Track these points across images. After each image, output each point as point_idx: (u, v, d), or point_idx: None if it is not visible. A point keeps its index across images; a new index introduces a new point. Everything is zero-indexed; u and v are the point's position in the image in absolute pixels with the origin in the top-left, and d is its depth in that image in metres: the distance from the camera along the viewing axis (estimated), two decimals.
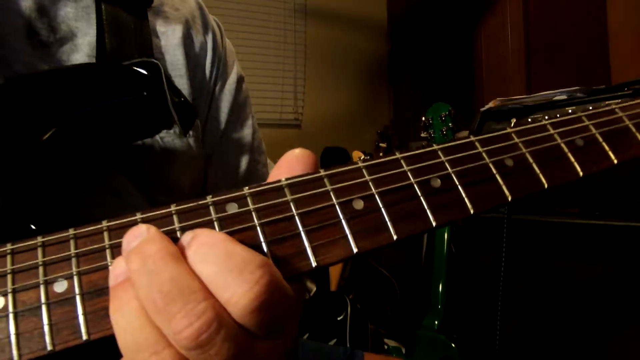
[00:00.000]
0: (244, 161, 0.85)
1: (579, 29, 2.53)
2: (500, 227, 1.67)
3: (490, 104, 1.84)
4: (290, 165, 0.41)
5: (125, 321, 0.33)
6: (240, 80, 0.86)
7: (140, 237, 0.34)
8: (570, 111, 0.48)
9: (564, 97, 1.64)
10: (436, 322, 1.94)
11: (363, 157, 1.57)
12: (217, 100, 0.82)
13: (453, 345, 1.86)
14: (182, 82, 0.74)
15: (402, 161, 0.43)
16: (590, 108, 0.49)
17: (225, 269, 0.32)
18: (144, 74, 0.55)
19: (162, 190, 0.69)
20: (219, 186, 0.82)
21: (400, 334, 2.50)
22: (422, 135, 2.00)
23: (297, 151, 0.41)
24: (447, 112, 1.94)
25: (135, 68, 0.55)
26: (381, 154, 1.57)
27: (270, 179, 0.41)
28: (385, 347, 2.37)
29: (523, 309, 1.65)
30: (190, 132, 0.73)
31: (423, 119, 2.00)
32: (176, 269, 0.32)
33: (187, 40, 0.77)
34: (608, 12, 2.36)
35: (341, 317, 2.21)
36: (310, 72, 3.55)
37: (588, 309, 1.48)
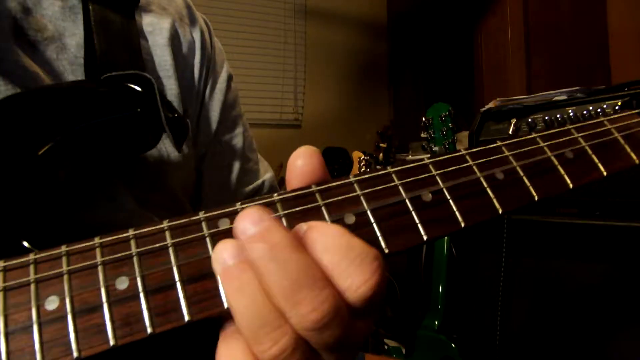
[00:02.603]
0: (237, 160, 0.85)
1: (579, 29, 2.52)
2: (500, 227, 1.67)
3: (490, 104, 1.83)
4: (299, 177, 0.42)
5: (249, 300, 0.35)
6: (229, 79, 0.86)
7: (257, 224, 0.35)
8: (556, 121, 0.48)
9: (564, 97, 1.64)
10: (436, 322, 1.94)
11: (363, 157, 1.58)
12: (209, 100, 0.82)
13: (453, 345, 1.86)
14: (170, 83, 0.74)
15: (393, 175, 0.43)
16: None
17: (347, 259, 0.35)
18: (138, 90, 0.55)
19: (155, 192, 0.69)
20: (213, 185, 0.82)
21: (400, 334, 2.50)
22: (422, 135, 1.99)
23: (299, 162, 0.42)
24: (447, 112, 1.93)
25: (130, 85, 0.55)
26: (381, 155, 1.58)
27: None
28: (386, 347, 2.37)
29: (523, 309, 1.65)
30: None
31: (423, 119, 1.99)
32: (302, 258, 0.35)
33: (175, 40, 0.77)
34: (608, 12, 2.35)
35: None
36: (310, 72, 3.55)
37: (588, 309, 1.48)
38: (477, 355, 1.79)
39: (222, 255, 0.36)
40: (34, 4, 0.63)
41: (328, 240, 0.36)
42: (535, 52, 2.64)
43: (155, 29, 0.75)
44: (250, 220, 0.36)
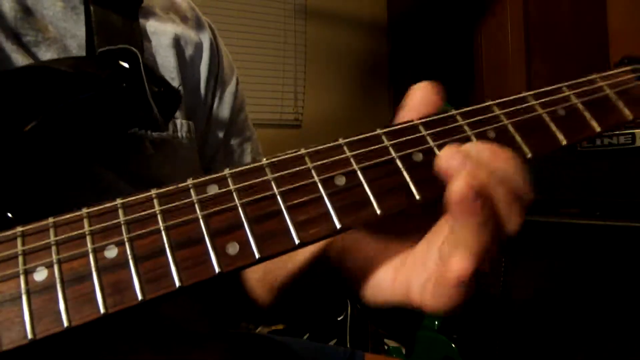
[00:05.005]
0: (249, 162, 0.85)
1: (579, 29, 2.52)
2: None
3: None
4: (419, 107, 0.46)
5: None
6: (237, 82, 0.86)
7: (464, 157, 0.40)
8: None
9: None
10: (436, 322, 1.94)
11: None
12: (219, 103, 0.82)
13: (453, 345, 1.86)
14: (173, 85, 0.73)
15: (383, 137, 0.42)
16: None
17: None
18: (124, 66, 0.55)
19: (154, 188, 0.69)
20: None
21: (400, 334, 2.50)
22: None
23: (419, 94, 0.47)
24: None
25: (117, 61, 0.55)
26: None
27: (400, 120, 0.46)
28: (386, 347, 2.36)
29: (523, 309, 1.65)
30: (183, 133, 0.72)
31: None
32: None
33: (179, 42, 0.76)
34: (608, 12, 2.35)
35: (341, 318, 2.21)
36: (310, 72, 3.54)
37: (588, 309, 1.48)
38: (477, 355, 1.79)
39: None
40: (34, 4, 0.62)
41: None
42: (535, 52, 2.64)
43: (159, 30, 0.74)
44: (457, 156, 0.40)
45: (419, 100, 0.47)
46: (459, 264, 0.40)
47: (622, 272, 1.40)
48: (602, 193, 1.48)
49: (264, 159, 0.40)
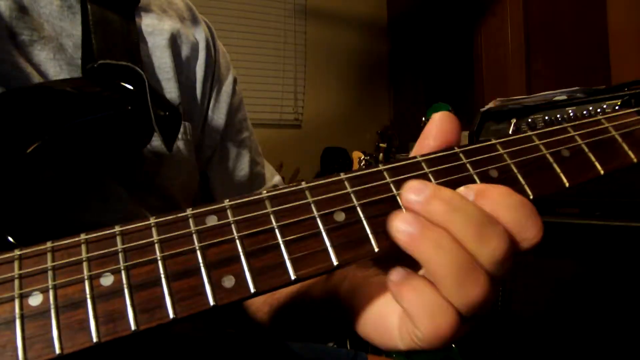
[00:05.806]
0: (245, 163, 0.85)
1: (579, 29, 2.51)
2: None
3: (490, 104, 1.83)
4: (440, 136, 0.46)
5: (447, 252, 0.38)
6: (234, 82, 0.86)
7: (422, 190, 0.38)
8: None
9: (564, 97, 1.64)
10: None
11: (363, 157, 1.59)
12: (214, 104, 0.81)
13: (453, 345, 1.85)
14: (169, 86, 0.73)
15: (384, 173, 0.42)
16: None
17: (524, 215, 0.39)
18: (129, 88, 0.54)
19: (153, 193, 0.69)
20: (222, 188, 0.82)
21: None
22: None
23: (434, 130, 0.46)
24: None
25: (121, 83, 0.54)
26: (381, 155, 1.59)
27: (418, 149, 0.46)
28: None
29: (523, 309, 1.65)
30: (180, 135, 0.72)
31: (423, 119, 1.99)
32: (475, 205, 0.39)
33: (176, 42, 0.76)
34: (608, 12, 2.34)
35: None
36: (310, 72, 3.54)
37: (587, 308, 1.48)
38: (478, 355, 1.79)
39: (403, 226, 0.38)
40: (31, 2, 0.62)
41: (505, 199, 0.39)
42: (535, 52, 2.64)
43: (155, 30, 0.74)
44: (416, 189, 0.39)
45: (437, 130, 0.47)
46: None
47: (622, 272, 1.40)
48: (602, 193, 1.47)
49: (264, 191, 0.40)
